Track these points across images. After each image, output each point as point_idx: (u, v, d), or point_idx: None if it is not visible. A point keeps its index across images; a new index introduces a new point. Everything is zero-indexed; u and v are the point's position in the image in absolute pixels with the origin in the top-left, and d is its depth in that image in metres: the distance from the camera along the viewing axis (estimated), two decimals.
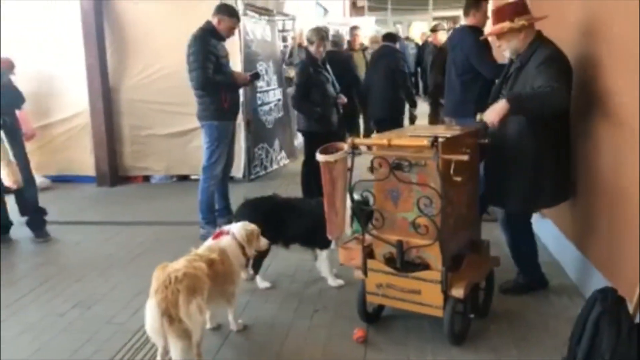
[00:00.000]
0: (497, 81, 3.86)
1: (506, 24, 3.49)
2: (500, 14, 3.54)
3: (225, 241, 3.43)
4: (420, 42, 16.31)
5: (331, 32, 10.24)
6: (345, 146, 3.28)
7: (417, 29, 21.36)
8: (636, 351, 2.43)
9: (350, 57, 8.67)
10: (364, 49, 9.79)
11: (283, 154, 8.54)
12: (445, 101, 5.65)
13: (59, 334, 3.52)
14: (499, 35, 3.59)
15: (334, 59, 6.85)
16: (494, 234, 4.24)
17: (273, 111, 8.20)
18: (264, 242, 3.63)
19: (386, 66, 6.97)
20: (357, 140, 3.22)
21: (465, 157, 2.93)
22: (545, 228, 4.62)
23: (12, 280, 4.39)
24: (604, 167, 3.51)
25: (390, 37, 7.47)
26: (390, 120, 6.42)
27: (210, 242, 3.44)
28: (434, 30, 9.58)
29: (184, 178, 7.66)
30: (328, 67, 6.02)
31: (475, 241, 3.57)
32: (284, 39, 9.52)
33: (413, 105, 7.39)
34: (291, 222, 4.06)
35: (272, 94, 8.14)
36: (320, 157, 3.29)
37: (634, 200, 3.03)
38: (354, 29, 10.39)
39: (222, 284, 3.26)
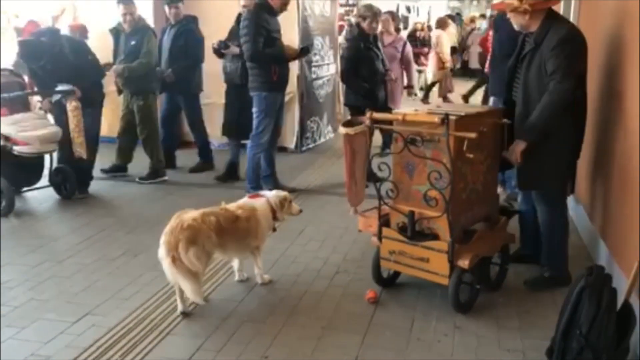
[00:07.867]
0: (510, 60, 3.82)
1: (511, 3, 3.44)
2: None
3: (258, 202, 3.76)
4: None
5: None
6: (367, 120, 3.49)
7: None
8: (615, 325, 2.55)
9: None
10: None
11: (330, 127, 8.76)
12: (490, 81, 5.70)
13: (107, 276, 3.98)
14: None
15: None
16: None
17: (326, 85, 8.42)
18: (295, 208, 3.93)
19: None
20: (376, 115, 3.42)
21: (472, 135, 3.07)
22: (579, 213, 4.66)
23: (74, 228, 4.92)
24: (615, 150, 3.55)
25: None
26: None
27: (245, 200, 3.80)
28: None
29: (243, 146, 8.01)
30: (379, 43, 6.18)
31: (491, 217, 3.71)
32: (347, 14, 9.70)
33: None
34: None
35: (325, 69, 8.34)
36: (341, 129, 3.52)
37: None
38: None
39: (245, 238, 3.62)
